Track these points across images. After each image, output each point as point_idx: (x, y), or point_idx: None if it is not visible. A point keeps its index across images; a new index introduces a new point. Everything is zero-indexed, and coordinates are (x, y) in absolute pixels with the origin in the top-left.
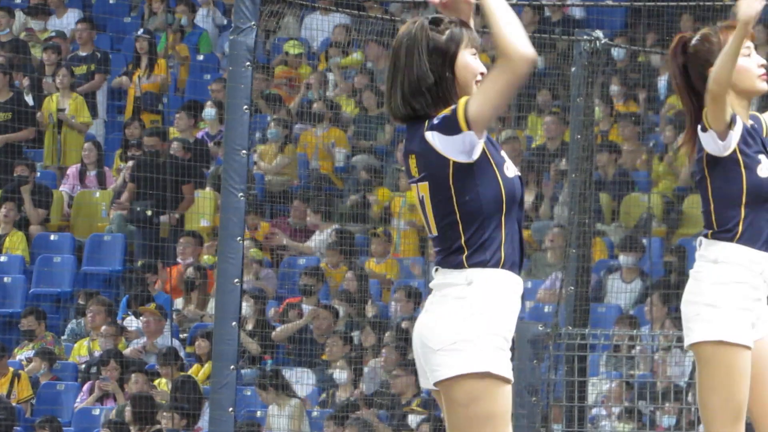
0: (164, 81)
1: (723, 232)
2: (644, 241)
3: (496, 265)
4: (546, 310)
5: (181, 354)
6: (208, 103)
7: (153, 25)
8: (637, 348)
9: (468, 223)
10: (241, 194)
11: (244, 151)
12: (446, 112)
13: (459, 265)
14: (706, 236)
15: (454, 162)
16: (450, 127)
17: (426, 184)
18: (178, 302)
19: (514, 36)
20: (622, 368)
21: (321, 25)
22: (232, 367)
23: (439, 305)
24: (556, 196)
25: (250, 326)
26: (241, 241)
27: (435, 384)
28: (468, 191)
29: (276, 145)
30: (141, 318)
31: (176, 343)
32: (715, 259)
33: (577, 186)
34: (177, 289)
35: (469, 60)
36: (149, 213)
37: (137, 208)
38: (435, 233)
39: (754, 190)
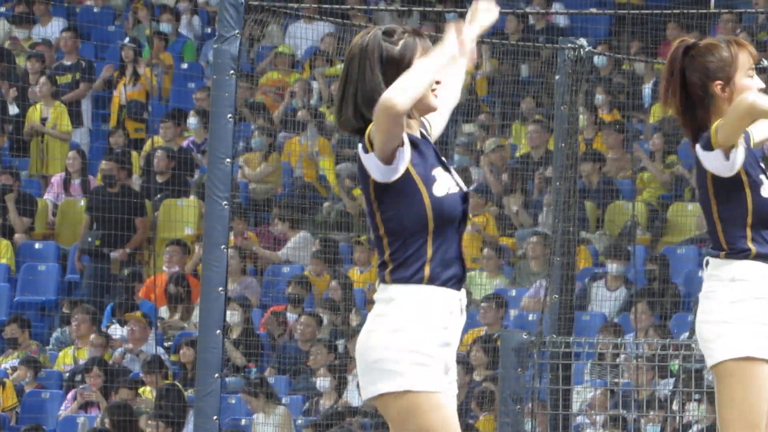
0: (149, 89)
1: (737, 251)
2: (629, 248)
3: (419, 282)
4: (530, 318)
5: (166, 362)
6: (192, 111)
7: (137, 33)
8: (622, 356)
9: (391, 239)
10: (225, 203)
11: (228, 160)
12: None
13: (384, 280)
14: (717, 257)
15: (374, 181)
16: (365, 145)
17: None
18: (163, 310)
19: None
20: (606, 376)
21: (305, 34)
22: (216, 375)
23: (367, 322)
24: (541, 205)
25: (235, 335)
26: (225, 250)
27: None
28: (389, 209)
29: (260, 153)
30: (126, 326)
31: (161, 351)
32: (732, 277)
33: (562, 194)
34: (161, 298)
35: None
36: (98, 243)
37: (89, 239)
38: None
39: (760, 211)
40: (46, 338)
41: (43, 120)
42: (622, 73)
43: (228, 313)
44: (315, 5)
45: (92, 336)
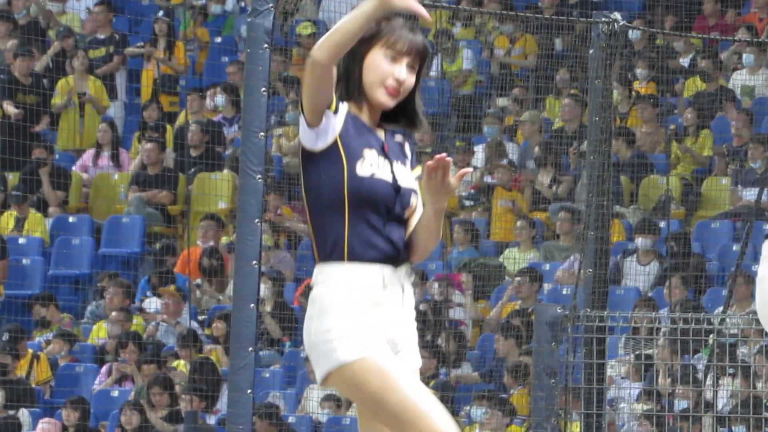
0: (183, 63)
1: None
2: (662, 223)
3: (338, 260)
4: (564, 292)
5: (200, 336)
6: (218, 88)
7: (173, 6)
8: (656, 330)
9: (312, 212)
10: (259, 176)
11: (261, 134)
12: None
13: (314, 259)
14: None
15: (303, 147)
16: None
17: None
18: (198, 284)
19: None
20: (640, 350)
21: (338, 7)
22: (250, 349)
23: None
24: (575, 179)
25: (268, 308)
26: (259, 224)
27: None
28: (312, 178)
29: (295, 127)
30: (161, 299)
31: (195, 325)
32: None
33: (596, 168)
34: (195, 271)
35: (378, 60)
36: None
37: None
38: None
39: None
40: (80, 312)
41: (81, 95)
42: (656, 48)
43: (262, 286)
44: None
45: (114, 313)
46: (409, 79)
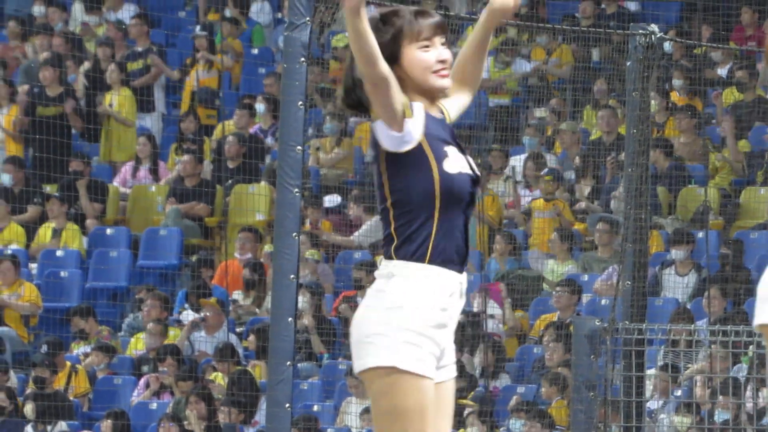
0: (221, 75)
1: None
2: (700, 234)
3: (420, 260)
4: (603, 303)
5: (238, 349)
6: (259, 97)
7: (208, 20)
8: (695, 342)
9: (398, 212)
10: (296, 190)
11: (299, 147)
12: None
13: (388, 256)
14: None
15: (386, 151)
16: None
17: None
18: (236, 296)
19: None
20: (679, 363)
21: None
22: (288, 363)
23: (366, 297)
24: (612, 190)
25: (306, 321)
26: (296, 237)
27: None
28: (399, 179)
29: (332, 138)
30: (200, 312)
31: (232, 338)
32: None
33: (633, 180)
34: (233, 283)
35: (414, 57)
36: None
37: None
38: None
39: None
40: (118, 324)
41: (111, 106)
42: (694, 58)
43: (300, 299)
44: None
45: (150, 325)
46: (449, 54)
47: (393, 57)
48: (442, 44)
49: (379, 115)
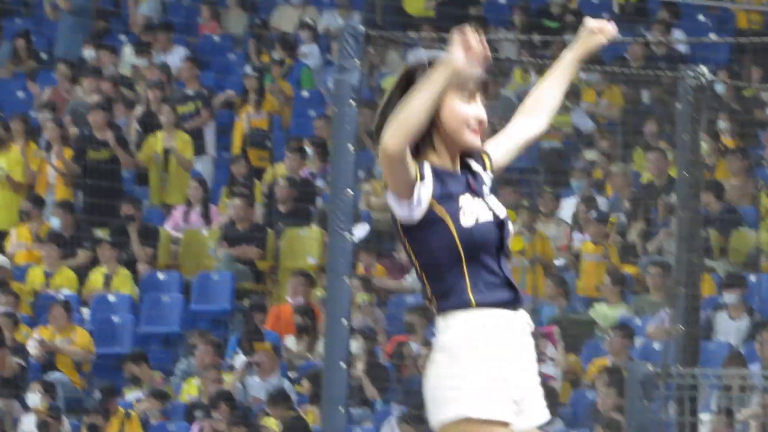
0: (271, 117)
1: None
2: (752, 277)
3: (467, 307)
4: (655, 346)
5: (291, 394)
6: (306, 140)
7: (258, 62)
8: (748, 386)
9: (429, 274)
10: (348, 234)
11: (350, 191)
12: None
13: (436, 315)
14: None
15: (400, 222)
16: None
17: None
18: (288, 340)
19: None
20: (732, 407)
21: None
22: (341, 408)
23: (431, 354)
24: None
25: (360, 366)
26: (348, 281)
27: None
28: (419, 245)
29: (383, 181)
30: (253, 356)
31: (285, 383)
32: None
33: (685, 223)
34: (286, 328)
35: (456, 106)
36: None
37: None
38: None
39: None
40: (171, 369)
41: (166, 150)
42: (744, 100)
43: (353, 343)
44: (435, 33)
45: (210, 370)
46: (485, 115)
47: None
48: (479, 100)
49: (390, 186)
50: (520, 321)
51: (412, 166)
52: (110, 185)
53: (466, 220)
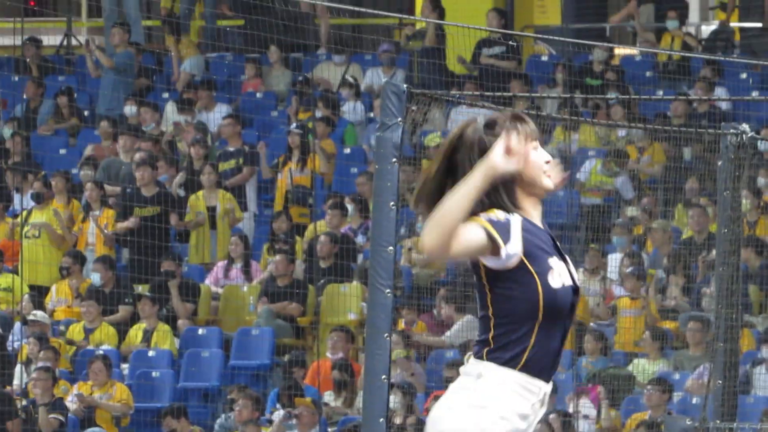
0: (313, 175)
1: None
2: None
3: (513, 367)
4: (694, 401)
5: None
6: (347, 198)
7: (300, 118)
8: None
9: (499, 321)
10: (388, 290)
11: (390, 248)
12: (493, 215)
13: (479, 356)
14: None
15: (485, 266)
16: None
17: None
18: (327, 396)
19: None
20: None
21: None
22: None
23: (448, 391)
24: (704, 288)
25: (398, 420)
26: (388, 338)
27: None
28: (502, 293)
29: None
30: (293, 412)
31: None
32: None
33: (725, 279)
34: (325, 383)
35: (531, 156)
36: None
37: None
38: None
39: None
40: (210, 425)
41: (211, 208)
42: None
43: (392, 398)
44: (477, 92)
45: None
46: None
47: None
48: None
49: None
50: (545, 393)
51: (475, 236)
52: (156, 243)
53: (554, 282)
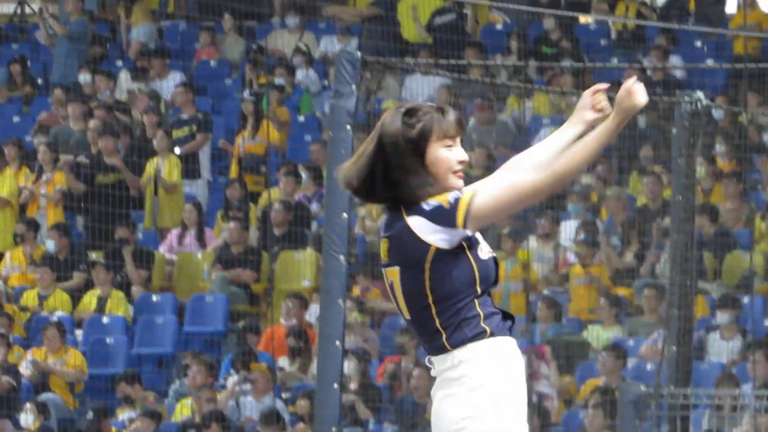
0: (268, 142)
1: None
2: (746, 299)
3: (482, 337)
4: (648, 367)
5: (284, 415)
6: (300, 165)
7: (255, 87)
8: (740, 406)
9: (440, 307)
10: (342, 257)
11: (344, 215)
12: (443, 202)
13: (442, 349)
14: None
15: (436, 248)
16: (443, 219)
17: (396, 269)
18: (281, 361)
19: (574, 161)
20: (724, 427)
21: (421, 87)
22: (334, 429)
23: (441, 389)
24: (658, 255)
25: (353, 386)
26: (342, 304)
27: None
28: (442, 276)
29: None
30: (246, 377)
31: (278, 403)
32: None
33: (679, 247)
34: (279, 349)
35: (439, 154)
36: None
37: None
38: (408, 317)
39: None
40: (164, 390)
41: (157, 173)
42: (740, 124)
43: (346, 364)
44: (432, 60)
45: (203, 390)
46: (465, 155)
47: (417, 153)
48: (460, 142)
49: (484, 216)
50: (514, 345)
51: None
52: (115, 210)
53: (483, 253)
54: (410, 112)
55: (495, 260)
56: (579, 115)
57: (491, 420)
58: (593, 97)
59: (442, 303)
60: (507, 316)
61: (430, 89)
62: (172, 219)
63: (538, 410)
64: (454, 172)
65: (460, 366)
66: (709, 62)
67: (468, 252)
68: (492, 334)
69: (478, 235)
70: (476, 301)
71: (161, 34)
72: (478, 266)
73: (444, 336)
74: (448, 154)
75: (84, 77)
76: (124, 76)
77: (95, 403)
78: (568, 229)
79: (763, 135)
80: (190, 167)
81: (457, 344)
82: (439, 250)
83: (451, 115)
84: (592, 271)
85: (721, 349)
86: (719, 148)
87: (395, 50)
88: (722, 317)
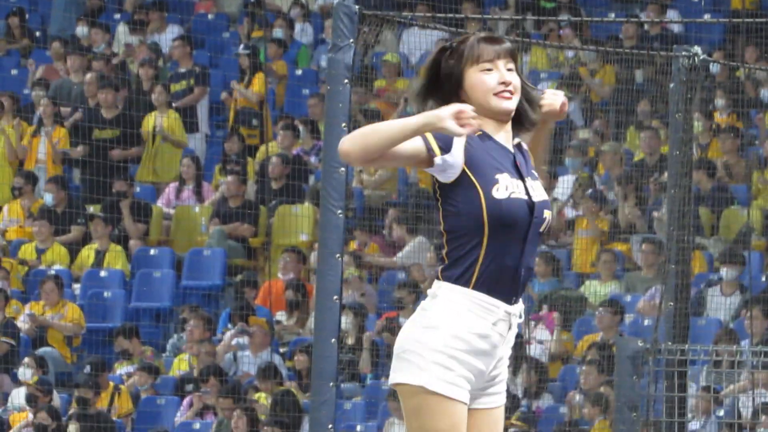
0: (262, 96)
1: None
2: (744, 254)
3: (465, 284)
4: (646, 323)
5: (281, 369)
6: (297, 120)
7: (253, 40)
8: (737, 363)
9: (450, 236)
10: (340, 211)
11: (342, 169)
12: None
13: (436, 276)
14: None
15: (435, 179)
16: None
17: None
18: (279, 316)
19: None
20: (722, 383)
21: (419, 41)
22: (331, 384)
23: (414, 313)
24: (656, 210)
25: (350, 341)
26: (339, 258)
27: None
28: (449, 206)
29: None
30: (244, 331)
31: (276, 357)
32: None
33: (676, 202)
34: (277, 304)
35: (475, 80)
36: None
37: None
38: None
39: None
40: (162, 345)
41: (155, 127)
42: (737, 79)
43: (343, 319)
44: (429, 13)
45: (201, 344)
46: (515, 78)
47: (457, 82)
48: (509, 70)
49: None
50: (508, 314)
51: (412, 145)
52: (107, 163)
53: (499, 193)
54: (453, 45)
55: (530, 206)
56: (432, 116)
57: (421, 360)
58: (459, 111)
59: (451, 233)
60: (516, 277)
61: (427, 43)
62: (169, 173)
63: (535, 366)
64: (496, 94)
65: (433, 300)
66: (707, 17)
67: (478, 188)
68: (478, 286)
69: (505, 177)
70: (484, 244)
71: None
72: (487, 204)
73: (443, 264)
74: (484, 77)
75: (82, 30)
76: (122, 29)
77: (93, 357)
78: (566, 183)
79: (760, 90)
80: (187, 121)
81: (445, 278)
82: (442, 184)
83: (492, 43)
84: (599, 225)
85: (720, 305)
86: (717, 103)
87: (393, 4)
88: (724, 273)
